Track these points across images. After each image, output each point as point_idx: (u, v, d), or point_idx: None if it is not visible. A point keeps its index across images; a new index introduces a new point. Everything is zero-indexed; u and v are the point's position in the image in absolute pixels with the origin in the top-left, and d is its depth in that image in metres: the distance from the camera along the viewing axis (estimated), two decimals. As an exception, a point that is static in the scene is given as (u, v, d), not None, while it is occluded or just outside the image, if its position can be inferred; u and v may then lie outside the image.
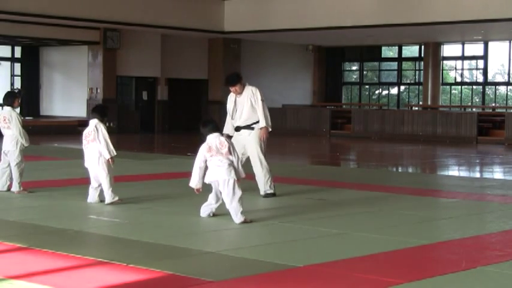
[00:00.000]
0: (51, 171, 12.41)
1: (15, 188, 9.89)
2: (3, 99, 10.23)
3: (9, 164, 10.02)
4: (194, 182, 8.07)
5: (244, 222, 7.85)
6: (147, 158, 16.40)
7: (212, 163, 7.93)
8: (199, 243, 7.00)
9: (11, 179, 10.04)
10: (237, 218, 7.86)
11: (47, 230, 7.46)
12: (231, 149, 7.96)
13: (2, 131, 10.06)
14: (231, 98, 10.15)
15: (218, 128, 8.24)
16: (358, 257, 6.41)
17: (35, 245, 6.62)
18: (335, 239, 7.31)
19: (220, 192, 8.04)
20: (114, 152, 9.18)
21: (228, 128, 10.08)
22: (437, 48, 29.96)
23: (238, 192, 7.89)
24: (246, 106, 9.94)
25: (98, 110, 9.43)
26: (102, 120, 9.25)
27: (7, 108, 10.03)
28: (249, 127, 9.92)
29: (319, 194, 10.45)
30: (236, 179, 7.89)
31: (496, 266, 6.14)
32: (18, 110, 10.28)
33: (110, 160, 9.08)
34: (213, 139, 8.02)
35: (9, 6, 21.65)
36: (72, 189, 10.43)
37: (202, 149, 8.02)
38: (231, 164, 7.91)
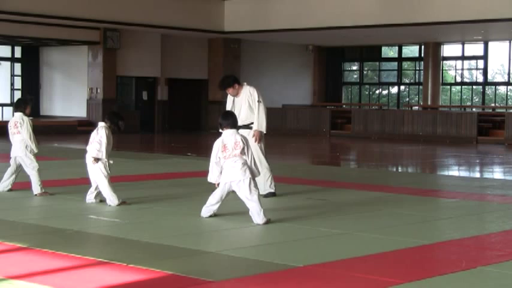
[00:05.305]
0: (51, 171, 12.39)
1: (36, 190, 9.74)
2: (16, 106, 10.16)
3: (16, 169, 9.98)
4: (214, 178, 8.06)
5: (267, 222, 7.82)
6: (147, 158, 16.39)
7: (227, 164, 7.91)
8: (199, 243, 6.99)
9: (13, 184, 10.04)
10: (260, 218, 7.82)
11: (47, 230, 7.46)
12: (245, 149, 7.94)
13: (12, 137, 9.94)
14: (229, 97, 10.20)
15: (236, 124, 8.25)
16: (358, 257, 6.40)
17: (35, 245, 6.62)
18: (335, 239, 7.31)
19: (228, 194, 8.05)
20: (105, 158, 8.99)
21: None
22: (437, 48, 29.95)
23: (256, 191, 7.90)
24: (243, 106, 9.96)
25: (110, 116, 9.32)
26: (109, 126, 9.14)
27: (18, 114, 9.93)
28: (247, 126, 9.93)
29: (319, 194, 10.44)
30: (252, 177, 7.90)
31: (496, 266, 6.13)
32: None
33: (93, 159, 8.96)
34: (229, 137, 8.00)
35: (9, 6, 21.66)
36: (72, 189, 10.43)
37: (217, 146, 7.99)
38: (245, 163, 7.90)
